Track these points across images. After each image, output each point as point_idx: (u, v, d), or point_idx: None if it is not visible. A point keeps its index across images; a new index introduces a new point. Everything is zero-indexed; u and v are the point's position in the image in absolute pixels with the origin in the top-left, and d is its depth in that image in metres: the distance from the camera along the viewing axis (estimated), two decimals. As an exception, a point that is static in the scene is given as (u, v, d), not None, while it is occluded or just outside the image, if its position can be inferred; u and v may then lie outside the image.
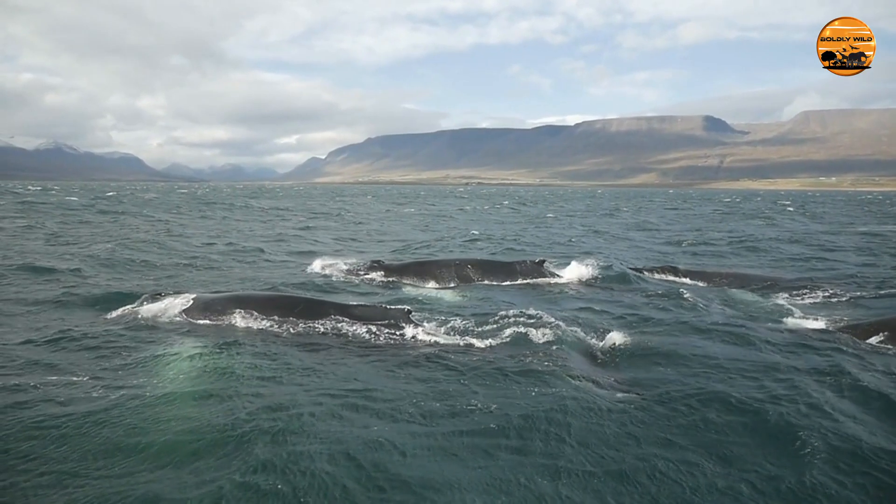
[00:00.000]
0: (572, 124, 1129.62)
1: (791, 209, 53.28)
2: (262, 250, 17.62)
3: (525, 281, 12.14)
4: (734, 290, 11.53)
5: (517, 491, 4.11)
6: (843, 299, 10.93)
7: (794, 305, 10.05)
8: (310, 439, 4.65)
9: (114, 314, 8.58)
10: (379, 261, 12.89)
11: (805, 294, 11.24)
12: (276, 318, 7.93)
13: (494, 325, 8.31)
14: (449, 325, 8.29)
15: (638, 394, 5.86)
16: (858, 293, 11.34)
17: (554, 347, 7.29)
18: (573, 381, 6.05)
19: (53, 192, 77.72)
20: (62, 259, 14.14)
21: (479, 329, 8.15)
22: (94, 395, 5.47)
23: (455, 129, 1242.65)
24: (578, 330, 8.14)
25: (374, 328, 7.76)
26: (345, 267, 12.74)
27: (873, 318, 8.62)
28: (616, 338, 7.57)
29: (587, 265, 12.90)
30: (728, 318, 9.12)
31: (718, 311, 9.62)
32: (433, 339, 7.62)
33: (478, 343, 7.47)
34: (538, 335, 7.66)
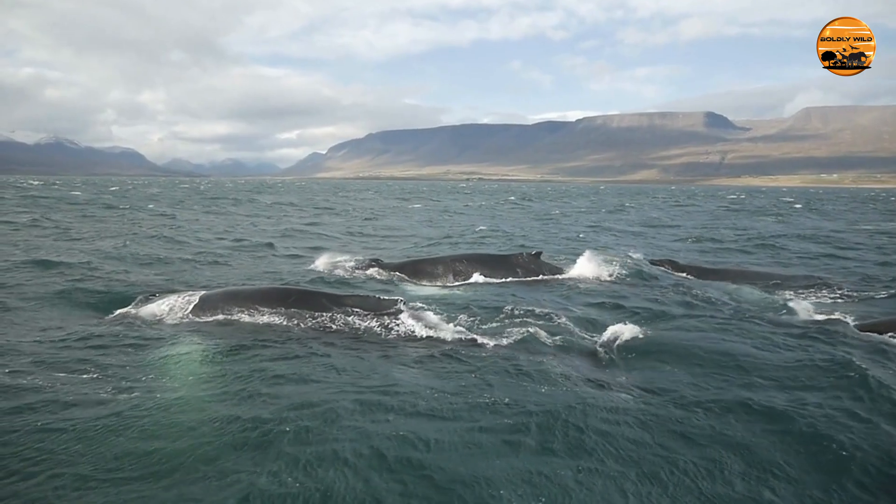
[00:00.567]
0: (573, 120, 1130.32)
1: (798, 206, 53.04)
2: (271, 245, 17.47)
3: (523, 273, 11.98)
4: (749, 287, 11.32)
5: (544, 487, 4.04)
6: (862, 297, 10.81)
7: (812, 303, 9.86)
8: (334, 436, 4.56)
9: (121, 312, 8.38)
10: (377, 259, 12.84)
11: (822, 291, 11.09)
12: (281, 310, 7.82)
13: (495, 320, 8.24)
14: (447, 320, 8.13)
15: (653, 392, 5.78)
16: (877, 291, 11.26)
17: (559, 342, 7.24)
18: (585, 378, 6.02)
19: (56, 186, 77.68)
20: (70, 254, 13.97)
21: (480, 324, 8.04)
22: (104, 395, 5.29)
23: (456, 125, 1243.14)
24: (585, 324, 8.05)
25: (369, 320, 7.70)
26: (346, 264, 12.66)
27: (894, 316, 8.57)
28: (626, 333, 7.42)
29: (597, 260, 12.78)
30: (743, 315, 8.98)
31: (733, 309, 9.45)
32: (431, 333, 7.51)
33: (480, 338, 7.35)
34: (540, 330, 7.58)
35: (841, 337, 7.60)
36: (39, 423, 4.69)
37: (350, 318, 7.72)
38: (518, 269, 11.94)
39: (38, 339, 7.05)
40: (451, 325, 7.89)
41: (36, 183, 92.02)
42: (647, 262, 13.58)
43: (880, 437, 4.77)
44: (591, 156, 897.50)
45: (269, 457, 4.27)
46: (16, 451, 4.31)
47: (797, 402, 5.45)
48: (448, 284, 11.26)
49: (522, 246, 19.26)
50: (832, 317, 8.78)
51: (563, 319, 8.28)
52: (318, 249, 16.96)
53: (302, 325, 7.63)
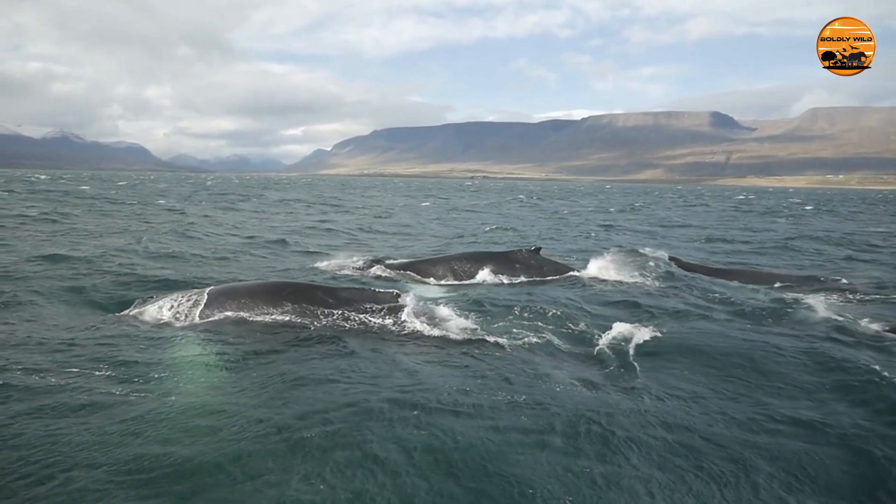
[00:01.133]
0: (578, 119, 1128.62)
1: (809, 207, 52.72)
2: (284, 242, 17.39)
3: (523, 269, 11.87)
4: (767, 288, 11.14)
5: (572, 485, 4.00)
6: (886, 300, 10.54)
7: (833, 305, 9.66)
8: (361, 435, 4.47)
9: (132, 308, 8.20)
10: (379, 258, 12.88)
11: (843, 294, 10.80)
12: (288, 306, 7.71)
13: (497, 317, 8.17)
14: (449, 316, 8.02)
15: (672, 394, 5.72)
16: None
17: (569, 340, 7.17)
18: (601, 378, 6.00)
19: (63, 180, 77.85)
20: (82, 249, 13.82)
21: (481, 322, 7.91)
22: (118, 396, 5.10)
23: (461, 123, 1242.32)
24: (595, 322, 7.97)
25: (368, 314, 7.68)
26: (355, 263, 12.66)
27: None
28: (640, 332, 7.31)
29: (611, 258, 12.64)
30: (763, 317, 8.84)
31: (752, 310, 9.27)
32: (434, 328, 7.42)
33: (487, 336, 7.23)
34: (549, 327, 7.50)
35: (866, 340, 7.48)
36: (55, 426, 4.53)
37: (351, 312, 7.67)
38: (518, 266, 11.88)
39: (50, 335, 6.88)
40: (454, 321, 7.80)
41: (44, 177, 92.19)
42: (663, 262, 13.40)
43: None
44: (596, 155, 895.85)
45: (297, 459, 4.14)
46: (32, 455, 4.14)
47: (824, 408, 5.38)
48: (448, 283, 11.24)
49: (534, 245, 19.14)
50: (856, 319, 8.60)
51: (571, 317, 8.23)
52: (332, 247, 16.88)
53: (306, 321, 7.52)
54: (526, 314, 8.41)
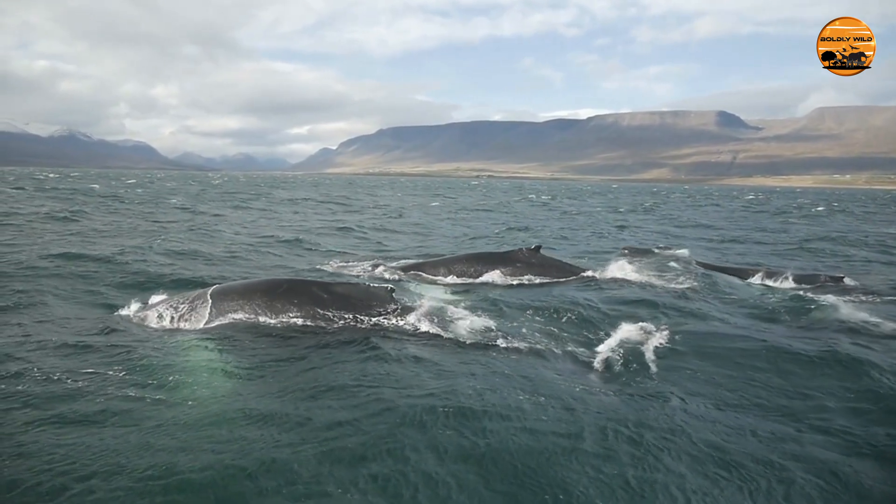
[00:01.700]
0: (584, 118, 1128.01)
1: (821, 208, 52.28)
2: (300, 241, 17.30)
3: (524, 268, 11.85)
4: (797, 290, 10.91)
5: (605, 487, 3.95)
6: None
7: (863, 308, 9.45)
8: (397, 442, 4.35)
9: (141, 313, 7.96)
10: (386, 259, 13.02)
11: (872, 296, 10.57)
12: (295, 302, 7.64)
13: (498, 317, 8.07)
14: (449, 314, 7.92)
15: (698, 395, 5.63)
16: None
17: (579, 340, 7.10)
18: (619, 379, 5.94)
19: (71, 179, 78.08)
20: (94, 248, 13.74)
21: (483, 322, 7.77)
22: (135, 403, 4.93)
23: (466, 122, 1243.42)
24: (605, 321, 7.91)
25: (364, 309, 7.67)
26: (360, 264, 12.76)
27: None
28: (656, 333, 7.16)
29: (627, 258, 12.48)
30: (796, 321, 8.71)
31: (781, 314, 9.09)
32: (433, 325, 7.37)
33: (488, 335, 7.15)
34: (556, 326, 7.43)
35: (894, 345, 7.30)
36: (71, 434, 4.37)
37: (347, 309, 7.63)
38: (518, 265, 11.89)
39: (62, 338, 6.70)
40: (461, 320, 7.71)
41: (53, 175, 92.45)
42: (679, 261, 13.23)
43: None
44: (602, 154, 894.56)
45: (327, 466, 4.01)
46: (49, 464, 3.97)
47: (855, 417, 5.28)
48: (451, 283, 11.29)
49: (562, 242, 18.98)
50: (882, 322, 8.39)
51: (583, 316, 8.15)
52: (345, 246, 16.80)
53: (306, 319, 7.47)
54: (530, 313, 8.34)
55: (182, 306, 7.71)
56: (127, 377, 5.51)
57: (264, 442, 4.31)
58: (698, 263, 13.21)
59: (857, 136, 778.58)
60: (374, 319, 7.55)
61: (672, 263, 12.87)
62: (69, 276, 10.37)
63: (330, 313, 7.56)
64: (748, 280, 12.06)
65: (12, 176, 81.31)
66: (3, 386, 5.20)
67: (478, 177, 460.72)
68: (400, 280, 11.32)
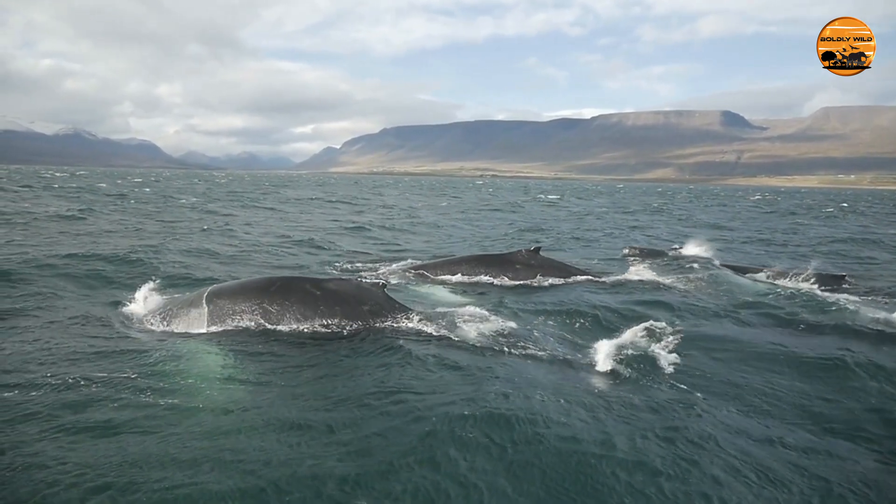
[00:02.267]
0: (588, 118, 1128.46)
1: (830, 209, 52.00)
2: (312, 241, 17.17)
3: (524, 270, 11.93)
4: (817, 291, 10.74)
5: (637, 493, 3.87)
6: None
7: (890, 309, 9.32)
8: (422, 440, 4.30)
9: (147, 314, 7.87)
10: (391, 260, 13.09)
11: None
12: (285, 301, 7.57)
13: (504, 317, 7.98)
14: (446, 313, 7.87)
15: (723, 398, 5.57)
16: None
17: (588, 340, 7.02)
18: (643, 382, 5.84)
19: (77, 176, 78.22)
20: (104, 247, 13.60)
21: (483, 321, 7.70)
22: (149, 409, 4.80)
23: (470, 121, 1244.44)
24: (614, 321, 7.92)
25: (359, 306, 7.65)
26: (364, 265, 12.81)
27: None
28: (671, 335, 6.99)
29: (640, 257, 12.34)
30: (820, 322, 8.56)
31: (805, 315, 8.95)
32: (445, 329, 7.31)
33: (502, 337, 7.07)
34: (561, 327, 7.42)
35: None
36: (82, 445, 4.20)
37: (342, 306, 7.61)
38: (518, 266, 11.96)
39: (70, 343, 6.57)
40: (465, 320, 7.65)
41: (59, 174, 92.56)
42: (693, 261, 13.11)
43: None
44: (606, 154, 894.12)
45: (354, 473, 3.89)
46: (61, 476, 3.80)
47: (888, 423, 5.20)
48: (454, 283, 11.37)
49: (576, 240, 18.82)
50: None
51: (592, 316, 8.16)
52: (356, 246, 16.66)
53: (305, 317, 7.42)
54: (535, 315, 8.28)
55: (183, 307, 7.64)
56: (140, 382, 5.37)
57: (287, 451, 4.17)
58: (711, 264, 13.09)
59: (862, 136, 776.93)
60: (372, 319, 7.51)
61: (683, 263, 12.78)
62: (78, 276, 10.27)
63: (328, 313, 7.51)
64: (770, 280, 11.93)
65: (18, 175, 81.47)
66: (16, 392, 5.08)
67: (482, 176, 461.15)
68: (403, 280, 11.33)
